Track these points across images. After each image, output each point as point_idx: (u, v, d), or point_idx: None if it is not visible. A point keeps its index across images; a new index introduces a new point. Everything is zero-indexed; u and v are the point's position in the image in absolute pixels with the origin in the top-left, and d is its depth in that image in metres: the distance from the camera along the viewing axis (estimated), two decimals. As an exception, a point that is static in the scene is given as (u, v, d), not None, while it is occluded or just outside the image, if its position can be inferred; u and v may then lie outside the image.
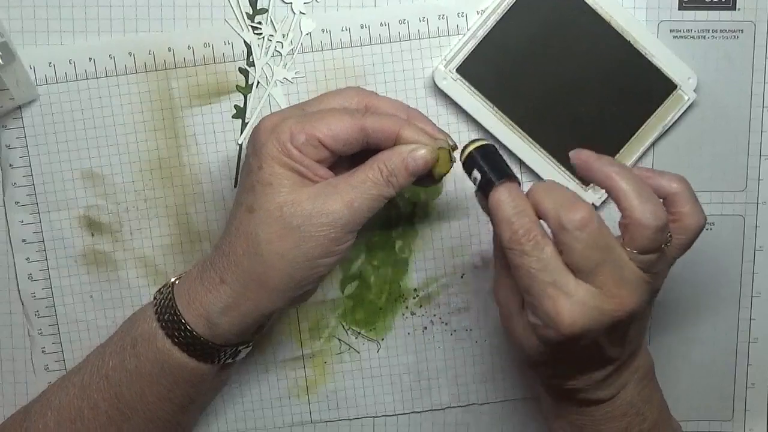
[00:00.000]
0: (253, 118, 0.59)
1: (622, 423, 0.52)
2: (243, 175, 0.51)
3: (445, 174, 0.51)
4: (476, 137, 0.50)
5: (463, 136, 0.59)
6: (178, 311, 0.51)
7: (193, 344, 0.51)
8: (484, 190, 0.48)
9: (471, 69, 0.58)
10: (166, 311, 0.52)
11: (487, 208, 0.48)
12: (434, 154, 0.49)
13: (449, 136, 0.51)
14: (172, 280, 0.54)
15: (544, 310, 0.45)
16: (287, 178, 0.49)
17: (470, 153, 0.49)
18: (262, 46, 0.59)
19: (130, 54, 0.58)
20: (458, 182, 0.60)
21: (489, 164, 0.48)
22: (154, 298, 0.53)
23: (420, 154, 0.49)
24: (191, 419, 0.58)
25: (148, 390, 0.52)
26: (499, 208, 0.47)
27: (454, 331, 0.62)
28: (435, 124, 0.52)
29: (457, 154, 0.50)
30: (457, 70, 0.58)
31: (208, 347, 0.51)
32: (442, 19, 0.58)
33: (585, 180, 0.57)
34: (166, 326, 0.51)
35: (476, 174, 0.48)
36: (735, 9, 0.59)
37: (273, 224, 0.48)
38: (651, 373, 0.54)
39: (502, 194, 0.47)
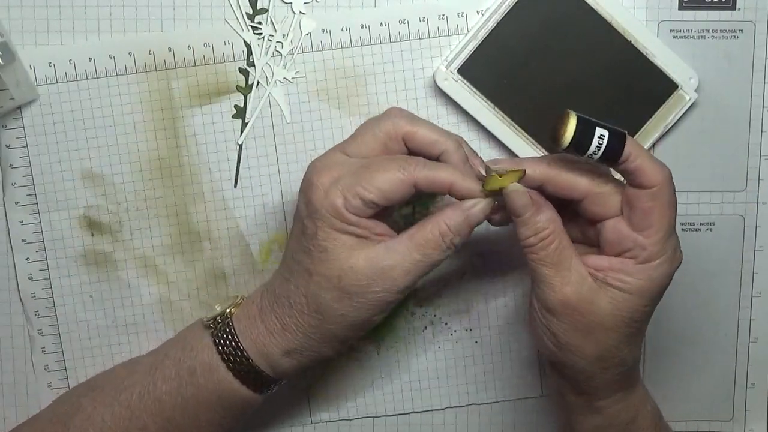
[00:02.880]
0: (253, 118, 0.59)
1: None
2: (296, 232, 0.51)
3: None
4: (566, 111, 0.48)
5: (463, 136, 0.59)
6: (242, 346, 0.52)
7: (254, 378, 0.52)
8: (613, 149, 0.47)
9: (472, 70, 0.58)
10: (228, 344, 0.52)
11: (614, 168, 0.48)
12: (492, 204, 0.49)
13: (485, 165, 0.51)
14: (228, 309, 0.54)
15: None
16: (343, 243, 0.49)
17: (579, 120, 0.47)
18: (262, 46, 0.59)
19: (130, 54, 0.58)
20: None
21: (599, 121, 0.47)
22: (211, 327, 0.53)
23: (480, 208, 0.49)
24: None
25: (203, 416, 0.53)
26: (643, 148, 0.48)
27: (454, 331, 0.62)
28: (474, 151, 0.52)
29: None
30: (458, 71, 0.58)
31: (267, 380, 0.53)
32: (443, 19, 0.58)
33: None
34: (227, 360, 0.52)
35: (602, 133, 0.47)
36: (735, 9, 0.59)
37: (332, 291, 0.49)
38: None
39: (633, 140, 0.48)
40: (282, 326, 0.51)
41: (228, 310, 0.54)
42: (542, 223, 0.49)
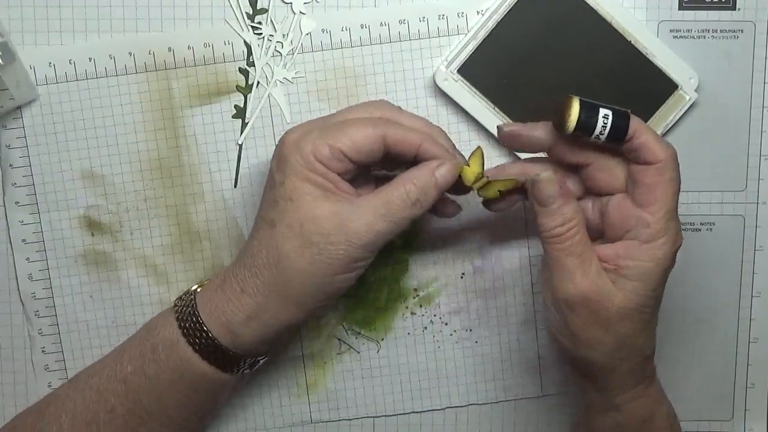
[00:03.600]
0: (253, 118, 0.59)
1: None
2: (266, 189, 0.51)
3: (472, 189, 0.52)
4: (569, 96, 0.49)
5: (463, 136, 0.60)
6: (201, 320, 0.52)
7: (214, 353, 0.52)
8: (618, 128, 0.48)
9: (472, 70, 0.58)
10: (188, 319, 0.52)
11: (619, 146, 0.49)
12: (458, 168, 0.50)
13: (464, 157, 0.52)
14: (194, 288, 0.54)
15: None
16: (309, 193, 0.49)
17: (582, 103, 0.48)
18: (262, 46, 0.59)
19: (130, 54, 0.58)
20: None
21: (601, 103, 0.48)
22: (175, 305, 0.54)
23: (447, 169, 0.50)
24: (204, 426, 0.59)
25: (167, 396, 0.53)
26: (647, 126, 0.48)
27: (454, 331, 0.62)
28: (454, 144, 0.52)
29: (480, 160, 0.51)
30: (458, 71, 0.58)
31: (229, 356, 0.52)
32: (442, 19, 0.58)
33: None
34: (188, 334, 0.52)
35: (606, 113, 0.48)
36: (735, 9, 0.59)
37: (293, 239, 0.49)
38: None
39: (638, 119, 0.48)
40: (241, 289, 0.51)
41: (194, 287, 0.54)
42: (570, 213, 0.49)
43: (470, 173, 0.51)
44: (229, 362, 0.53)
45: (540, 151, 0.52)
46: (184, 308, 0.53)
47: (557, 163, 0.52)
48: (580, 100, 0.48)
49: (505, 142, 0.52)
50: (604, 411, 0.53)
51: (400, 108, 0.52)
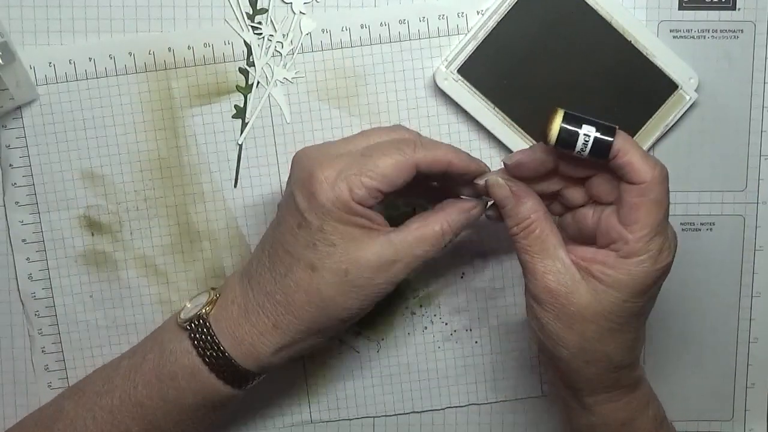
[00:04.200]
0: (252, 118, 0.59)
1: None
2: (293, 224, 0.50)
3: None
4: (555, 108, 0.48)
5: (463, 136, 0.59)
6: (226, 352, 0.51)
7: (240, 378, 0.52)
8: (601, 146, 0.47)
9: (472, 70, 0.58)
10: (209, 347, 0.52)
11: (604, 161, 0.48)
12: (485, 204, 0.52)
13: (484, 163, 0.53)
14: (203, 309, 0.53)
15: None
16: (351, 235, 0.49)
17: (565, 117, 0.48)
18: (262, 46, 0.59)
19: (130, 54, 0.58)
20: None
21: (589, 117, 0.48)
22: (187, 329, 0.52)
23: (479, 209, 0.52)
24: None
25: (186, 416, 0.53)
26: (635, 145, 0.48)
27: (454, 331, 0.62)
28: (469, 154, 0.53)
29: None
30: (458, 71, 0.58)
31: (252, 376, 0.53)
32: (442, 19, 0.58)
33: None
34: (211, 363, 0.52)
35: (588, 130, 0.47)
36: (735, 9, 0.59)
37: (338, 285, 0.49)
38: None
39: (625, 136, 0.48)
40: (273, 324, 0.51)
41: (203, 309, 0.53)
42: (523, 213, 0.50)
43: None
44: (251, 380, 0.53)
45: (549, 171, 0.51)
46: (201, 336, 0.52)
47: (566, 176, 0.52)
48: (565, 113, 0.48)
49: (515, 173, 0.51)
50: (578, 410, 0.54)
51: (419, 133, 0.52)
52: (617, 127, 0.48)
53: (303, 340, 0.51)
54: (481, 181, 0.51)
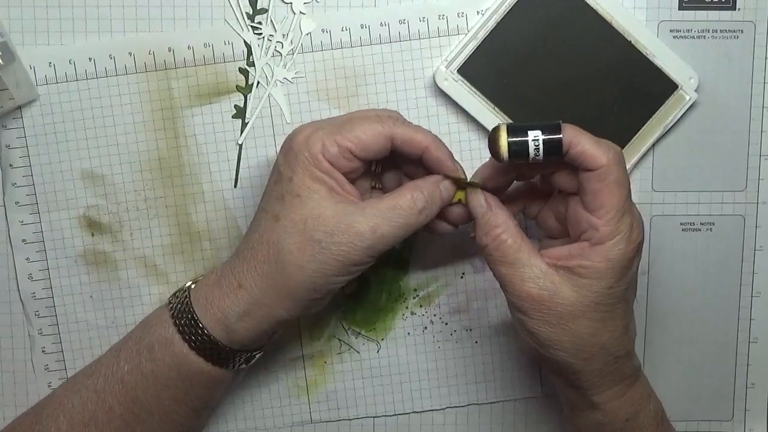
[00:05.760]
0: (253, 118, 0.59)
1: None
2: (271, 182, 0.51)
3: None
4: (497, 125, 0.49)
5: (463, 136, 0.60)
6: (196, 316, 0.52)
7: (210, 349, 0.52)
8: (551, 146, 0.48)
9: (472, 70, 0.58)
10: (183, 315, 0.52)
11: (559, 159, 0.48)
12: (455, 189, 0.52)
13: (461, 166, 0.53)
14: (188, 284, 0.55)
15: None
16: (316, 191, 0.49)
17: (509, 130, 0.48)
18: (262, 46, 0.59)
19: (130, 54, 0.58)
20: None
21: (531, 123, 0.48)
22: (170, 302, 0.54)
23: (447, 184, 0.52)
24: (203, 423, 0.59)
25: (164, 393, 0.53)
26: (583, 133, 0.48)
27: (454, 331, 0.62)
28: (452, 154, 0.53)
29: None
30: (458, 71, 0.58)
31: (224, 352, 0.52)
32: (442, 19, 0.58)
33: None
34: (183, 330, 0.52)
35: (535, 135, 0.48)
36: (735, 9, 0.59)
37: (296, 235, 0.49)
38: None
39: (572, 127, 0.48)
40: (238, 283, 0.51)
41: (188, 284, 0.54)
42: (494, 221, 0.50)
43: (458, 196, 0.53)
44: (225, 358, 0.53)
45: (511, 179, 0.53)
46: (179, 305, 0.53)
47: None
48: (507, 126, 0.48)
49: (487, 187, 0.53)
50: (584, 409, 0.53)
51: (404, 118, 0.53)
52: (561, 121, 0.48)
53: (264, 303, 0.51)
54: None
